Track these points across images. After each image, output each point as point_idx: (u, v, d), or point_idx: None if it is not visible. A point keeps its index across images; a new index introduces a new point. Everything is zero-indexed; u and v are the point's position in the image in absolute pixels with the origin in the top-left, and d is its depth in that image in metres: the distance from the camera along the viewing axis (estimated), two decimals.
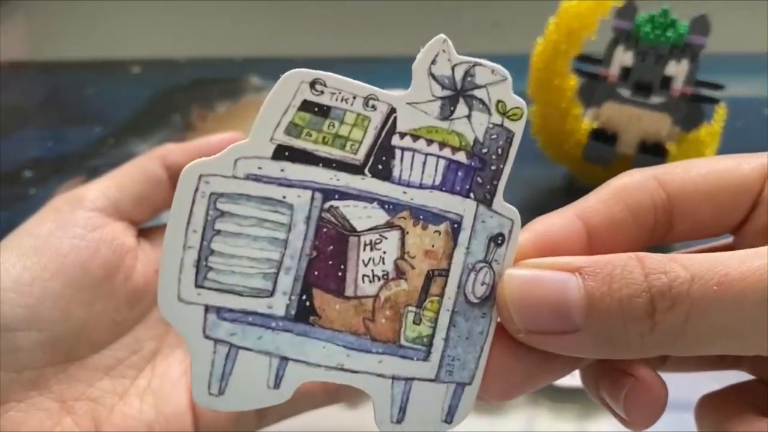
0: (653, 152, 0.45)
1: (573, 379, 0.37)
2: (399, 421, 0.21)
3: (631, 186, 0.21)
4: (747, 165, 0.21)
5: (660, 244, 0.22)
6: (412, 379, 0.21)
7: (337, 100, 0.19)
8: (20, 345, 0.24)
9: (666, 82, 0.44)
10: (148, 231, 0.29)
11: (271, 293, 0.19)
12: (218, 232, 0.19)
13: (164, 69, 0.66)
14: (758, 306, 0.17)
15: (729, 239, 0.22)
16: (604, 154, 0.46)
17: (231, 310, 0.19)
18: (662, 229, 0.21)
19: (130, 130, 0.58)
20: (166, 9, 0.76)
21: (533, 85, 0.46)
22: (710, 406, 0.22)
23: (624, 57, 0.45)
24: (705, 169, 0.21)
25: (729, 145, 0.45)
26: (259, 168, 0.19)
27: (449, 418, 0.21)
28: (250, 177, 0.19)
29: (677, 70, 0.44)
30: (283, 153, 0.19)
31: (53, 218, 0.26)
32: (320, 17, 0.75)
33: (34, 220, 0.27)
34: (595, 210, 0.21)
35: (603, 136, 0.46)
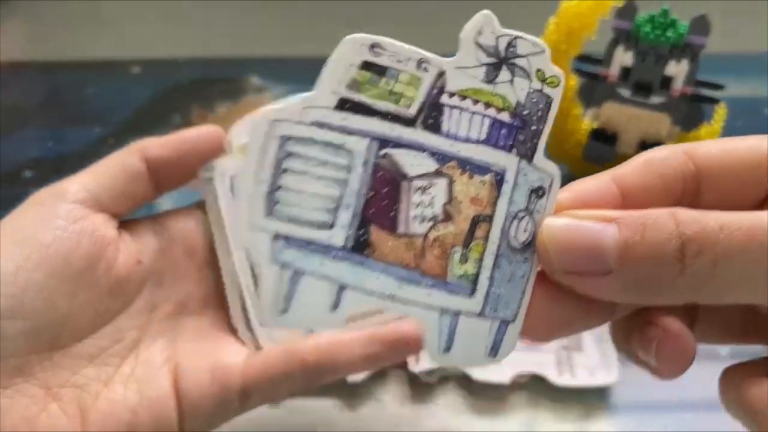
0: None
1: (573, 379, 0.37)
2: (446, 350, 0.23)
3: (661, 156, 0.22)
4: None
5: None
6: (459, 313, 0.22)
7: (393, 61, 0.22)
8: (4, 333, 0.24)
9: (666, 82, 0.44)
10: (128, 223, 0.29)
11: (331, 226, 0.22)
12: (286, 170, 0.22)
13: (164, 69, 0.66)
14: None
15: None
16: (604, 154, 0.46)
17: (296, 239, 0.22)
18: (690, 198, 0.22)
19: (130, 130, 0.58)
20: (166, 9, 0.76)
21: None
22: (734, 373, 0.23)
23: (624, 57, 0.45)
24: (730, 145, 0.22)
25: None
26: (324, 116, 0.22)
27: (494, 353, 0.23)
28: (315, 124, 0.22)
29: (677, 70, 0.44)
30: (344, 104, 0.22)
31: (36, 210, 0.27)
32: (320, 17, 0.75)
33: (17, 212, 0.27)
34: (630, 174, 0.22)
35: (603, 136, 0.46)
